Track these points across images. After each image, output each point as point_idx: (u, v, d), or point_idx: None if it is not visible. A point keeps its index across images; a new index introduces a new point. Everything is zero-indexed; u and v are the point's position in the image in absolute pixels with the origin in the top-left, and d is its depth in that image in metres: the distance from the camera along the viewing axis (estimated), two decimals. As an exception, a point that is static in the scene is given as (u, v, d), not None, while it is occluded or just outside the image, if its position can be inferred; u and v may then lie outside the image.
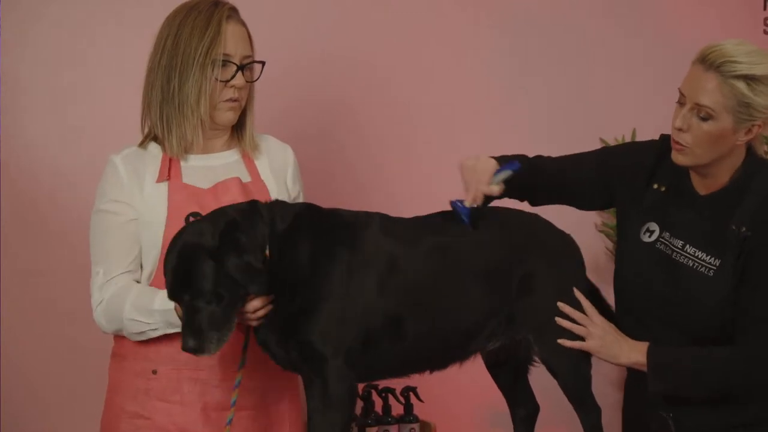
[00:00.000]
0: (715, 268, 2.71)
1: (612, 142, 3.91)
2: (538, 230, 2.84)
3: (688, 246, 2.76)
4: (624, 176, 2.86)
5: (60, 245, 3.54)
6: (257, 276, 2.52)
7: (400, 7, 3.86)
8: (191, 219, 2.72)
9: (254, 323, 2.62)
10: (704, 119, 2.64)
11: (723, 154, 2.69)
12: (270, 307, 2.60)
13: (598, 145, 3.88)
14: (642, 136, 3.33)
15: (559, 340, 2.74)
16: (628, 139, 3.94)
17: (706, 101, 2.62)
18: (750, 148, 2.74)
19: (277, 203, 2.70)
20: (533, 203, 2.97)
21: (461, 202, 2.78)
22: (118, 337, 2.81)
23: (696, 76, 2.65)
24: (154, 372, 2.76)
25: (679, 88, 2.69)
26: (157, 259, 2.73)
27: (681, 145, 2.68)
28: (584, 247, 2.93)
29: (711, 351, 2.71)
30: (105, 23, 3.57)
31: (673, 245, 2.78)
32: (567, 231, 2.92)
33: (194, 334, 2.49)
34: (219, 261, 2.49)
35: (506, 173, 2.80)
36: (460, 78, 3.91)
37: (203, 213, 2.70)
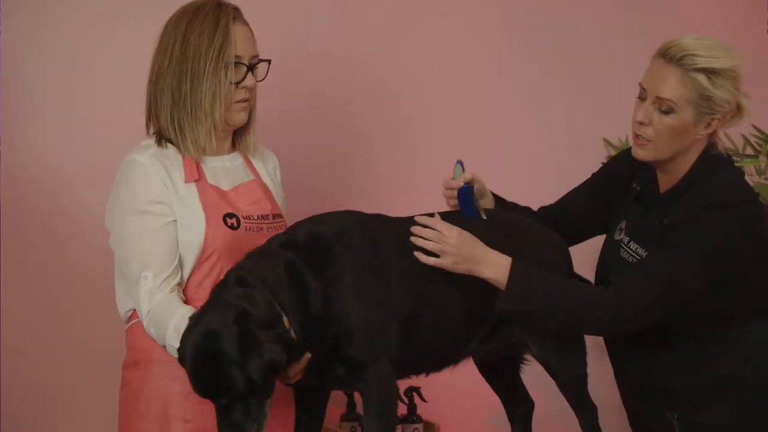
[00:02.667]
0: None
1: (615, 143, 3.91)
2: (528, 234, 2.86)
3: (631, 242, 2.81)
4: (613, 186, 2.93)
5: (60, 245, 3.55)
6: (277, 364, 2.48)
7: (401, 7, 3.86)
8: (228, 220, 2.73)
9: (292, 382, 2.62)
10: (666, 113, 2.68)
11: (683, 149, 2.72)
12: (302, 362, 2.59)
13: (600, 146, 3.90)
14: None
15: (416, 253, 2.68)
16: (631, 140, 3.93)
17: (668, 94, 2.67)
18: (709, 145, 2.76)
19: (261, 258, 2.62)
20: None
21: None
22: (145, 345, 2.77)
23: (657, 70, 2.70)
24: None
25: (639, 83, 2.74)
26: (196, 258, 2.72)
27: (643, 139, 2.71)
28: (587, 252, 2.95)
29: (577, 282, 2.74)
30: (107, 24, 3.58)
31: (623, 242, 2.83)
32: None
33: (233, 429, 2.48)
34: (243, 367, 2.44)
35: (457, 167, 2.86)
36: (462, 78, 3.91)
37: (236, 213, 2.73)
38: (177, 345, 2.61)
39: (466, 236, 2.69)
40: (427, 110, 3.88)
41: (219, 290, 2.58)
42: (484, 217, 2.80)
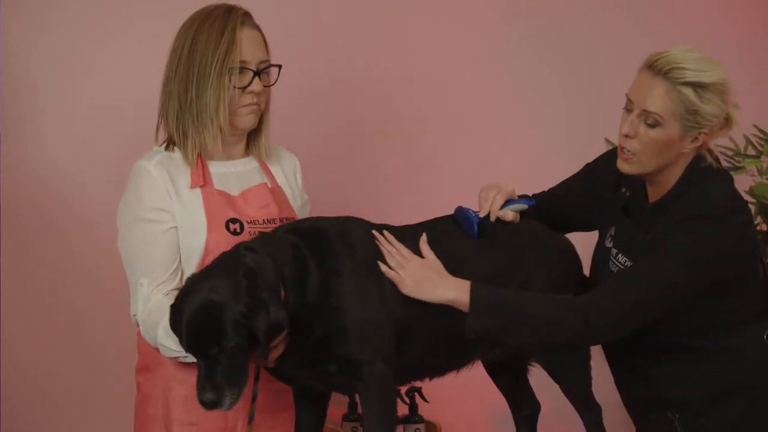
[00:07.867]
0: None
1: (617, 143, 3.90)
2: (535, 236, 2.85)
3: (619, 254, 2.77)
4: (604, 185, 2.87)
5: (61, 246, 3.56)
6: (281, 327, 2.51)
7: (406, 8, 3.87)
8: (231, 225, 2.74)
9: (272, 364, 2.61)
10: (652, 126, 2.63)
11: (668, 162, 2.67)
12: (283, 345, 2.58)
13: (602, 146, 3.90)
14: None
15: (379, 263, 2.66)
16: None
17: (654, 107, 2.61)
18: (697, 158, 2.71)
19: (269, 237, 2.67)
20: None
21: (474, 212, 2.79)
22: (153, 349, 2.78)
23: (644, 83, 2.64)
24: None
25: (626, 94, 2.68)
26: (197, 265, 2.73)
27: (628, 152, 2.67)
28: (588, 253, 2.93)
29: (546, 293, 2.69)
30: (107, 24, 3.60)
31: (611, 252, 2.80)
32: (570, 237, 2.93)
33: (214, 389, 2.45)
34: (248, 320, 2.45)
35: (521, 206, 2.85)
36: (464, 78, 3.92)
37: (239, 218, 2.74)
38: (168, 345, 2.64)
39: (430, 262, 2.67)
40: (429, 111, 3.88)
41: (221, 257, 2.60)
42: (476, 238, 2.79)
